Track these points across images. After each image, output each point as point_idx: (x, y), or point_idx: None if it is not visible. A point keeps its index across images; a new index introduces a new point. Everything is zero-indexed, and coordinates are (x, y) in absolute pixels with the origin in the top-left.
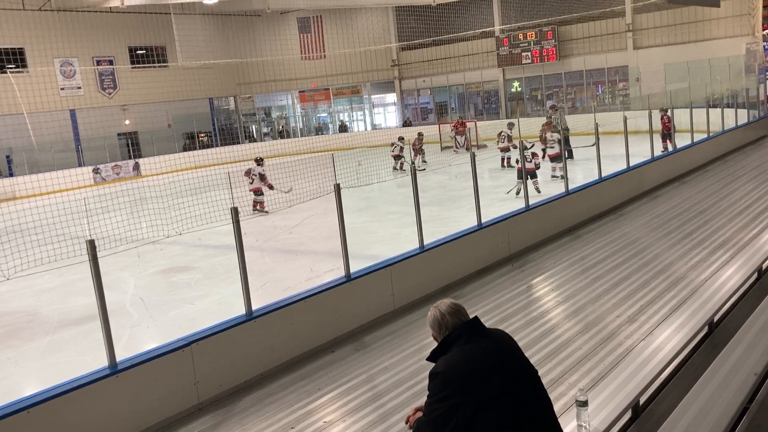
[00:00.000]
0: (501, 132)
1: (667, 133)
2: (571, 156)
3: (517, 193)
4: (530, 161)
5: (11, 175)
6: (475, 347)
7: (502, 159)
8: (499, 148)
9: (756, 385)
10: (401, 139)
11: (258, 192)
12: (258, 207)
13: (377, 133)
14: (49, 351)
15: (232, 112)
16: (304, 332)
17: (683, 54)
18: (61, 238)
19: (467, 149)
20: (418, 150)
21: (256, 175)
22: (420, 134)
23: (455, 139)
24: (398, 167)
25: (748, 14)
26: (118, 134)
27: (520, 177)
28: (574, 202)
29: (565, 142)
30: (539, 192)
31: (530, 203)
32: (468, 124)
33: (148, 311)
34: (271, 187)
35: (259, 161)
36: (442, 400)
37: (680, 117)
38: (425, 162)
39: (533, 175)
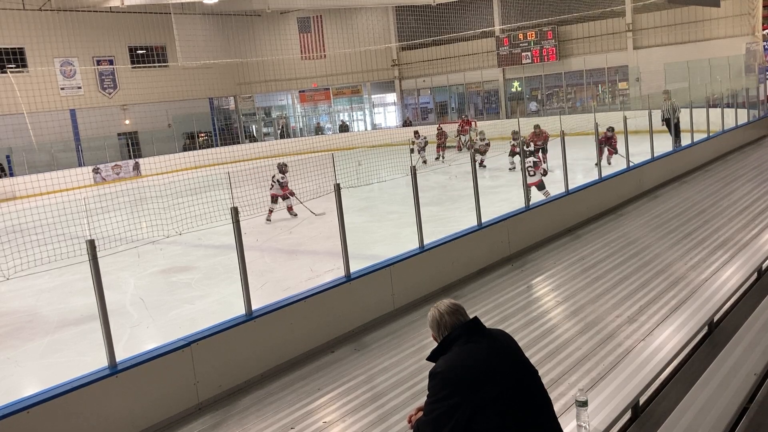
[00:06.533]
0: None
1: (614, 149)
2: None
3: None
4: (533, 174)
5: (11, 174)
6: (474, 347)
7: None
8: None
9: (756, 385)
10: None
11: (275, 199)
12: (269, 217)
13: (377, 133)
14: (49, 351)
15: (232, 111)
16: (304, 332)
17: (683, 54)
18: (60, 238)
19: (469, 148)
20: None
21: (276, 182)
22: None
23: (459, 138)
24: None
25: (748, 14)
26: (118, 134)
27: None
28: (574, 202)
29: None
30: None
31: (530, 203)
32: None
33: (148, 311)
34: (292, 194)
35: (282, 168)
36: (441, 399)
37: (680, 116)
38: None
39: (541, 186)
